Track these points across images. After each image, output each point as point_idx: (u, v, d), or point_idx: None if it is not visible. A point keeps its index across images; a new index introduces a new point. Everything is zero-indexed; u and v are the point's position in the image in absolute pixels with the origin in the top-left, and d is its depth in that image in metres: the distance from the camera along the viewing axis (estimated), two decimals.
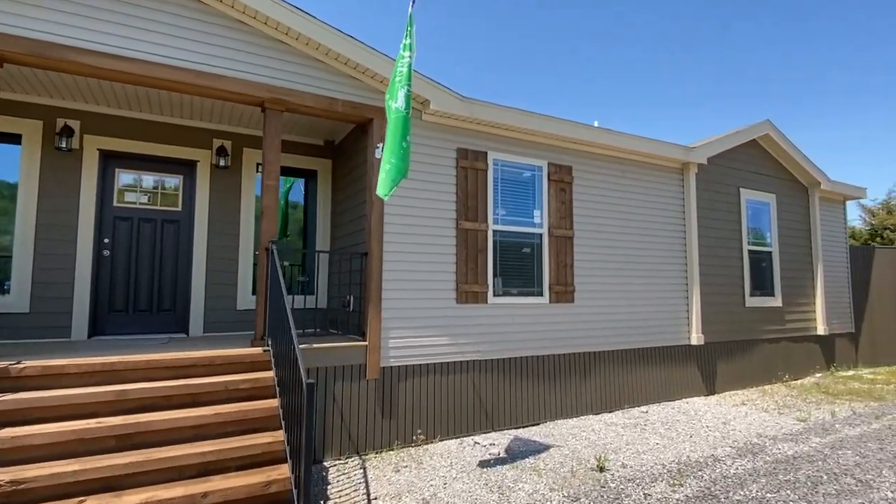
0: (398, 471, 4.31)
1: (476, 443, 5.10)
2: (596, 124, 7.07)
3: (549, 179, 6.19)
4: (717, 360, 7.55)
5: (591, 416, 6.16)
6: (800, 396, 7.17)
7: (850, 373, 9.11)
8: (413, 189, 5.25)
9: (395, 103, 4.03)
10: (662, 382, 6.97)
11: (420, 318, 5.22)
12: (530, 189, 6.11)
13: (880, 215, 15.03)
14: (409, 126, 4.04)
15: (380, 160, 4.57)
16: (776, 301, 8.40)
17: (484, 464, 4.49)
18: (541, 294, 6.04)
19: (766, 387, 7.89)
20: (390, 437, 4.95)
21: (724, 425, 5.71)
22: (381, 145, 5.01)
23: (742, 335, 7.90)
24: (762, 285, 8.35)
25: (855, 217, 17.13)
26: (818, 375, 8.80)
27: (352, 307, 5.50)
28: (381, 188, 4.02)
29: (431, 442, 5.10)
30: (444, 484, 4.02)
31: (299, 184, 6.97)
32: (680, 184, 7.45)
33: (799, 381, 8.30)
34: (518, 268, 5.95)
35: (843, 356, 9.49)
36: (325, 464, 4.48)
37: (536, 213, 6.11)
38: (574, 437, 5.31)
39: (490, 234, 5.70)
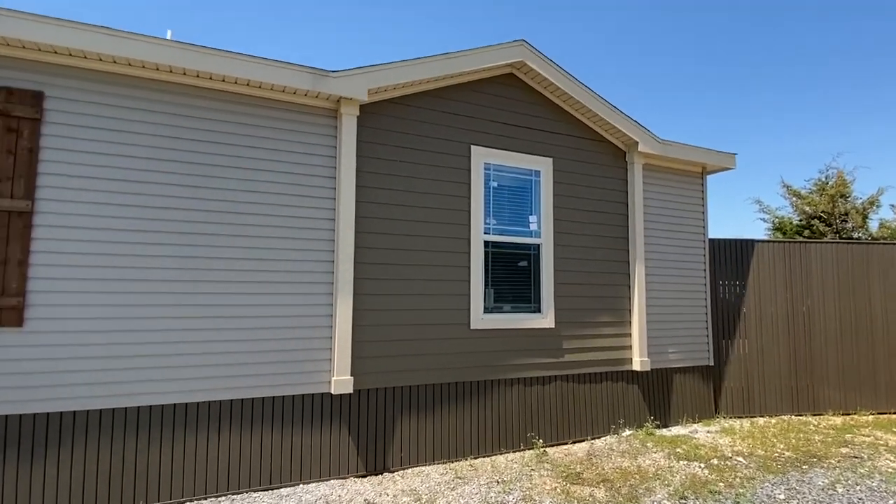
0: None
1: None
2: (170, 35, 4.45)
3: None
4: (396, 417, 4.72)
5: None
6: (504, 490, 4.26)
7: (685, 431, 6.03)
8: None
9: None
10: (265, 458, 4.22)
11: None
12: None
13: (811, 199, 11.23)
14: None
15: None
16: (543, 320, 5.47)
17: None
18: None
19: (494, 458, 4.97)
20: None
21: None
22: None
23: (462, 375, 5.03)
24: (516, 296, 5.44)
25: (785, 204, 13.44)
26: (626, 433, 5.79)
27: None
28: None
29: None
30: None
31: None
32: (333, 135, 4.67)
33: (565, 448, 5.33)
34: None
35: (687, 402, 6.42)
36: None
37: None
38: None
39: None
